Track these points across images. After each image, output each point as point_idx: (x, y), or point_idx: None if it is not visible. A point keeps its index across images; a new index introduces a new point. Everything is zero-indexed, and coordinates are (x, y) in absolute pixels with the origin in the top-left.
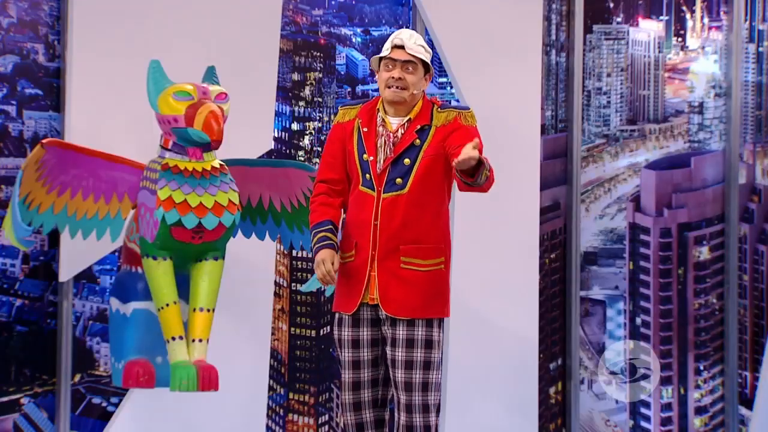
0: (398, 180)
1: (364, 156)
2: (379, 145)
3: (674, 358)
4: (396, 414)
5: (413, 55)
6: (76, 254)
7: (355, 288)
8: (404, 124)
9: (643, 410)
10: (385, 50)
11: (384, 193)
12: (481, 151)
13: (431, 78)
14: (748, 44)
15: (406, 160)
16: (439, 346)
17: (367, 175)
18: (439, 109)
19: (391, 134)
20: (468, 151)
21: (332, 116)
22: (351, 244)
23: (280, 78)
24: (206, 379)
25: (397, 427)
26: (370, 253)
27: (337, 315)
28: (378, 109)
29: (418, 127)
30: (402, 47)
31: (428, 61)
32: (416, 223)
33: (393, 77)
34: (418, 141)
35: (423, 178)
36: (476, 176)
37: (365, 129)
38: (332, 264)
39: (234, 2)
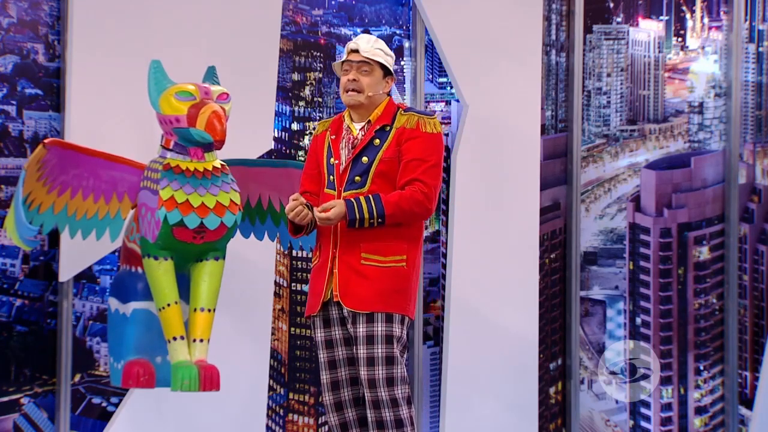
0: (357, 178)
1: (331, 160)
2: (341, 147)
3: (674, 358)
4: (367, 411)
5: (368, 58)
6: (76, 254)
7: (318, 287)
8: (364, 126)
9: (643, 410)
10: (344, 56)
11: (344, 191)
12: (393, 204)
13: (393, 81)
14: (748, 44)
15: (365, 159)
16: (400, 341)
17: (331, 177)
18: (402, 111)
19: (352, 137)
20: (318, 214)
21: (332, 116)
22: (318, 246)
23: (280, 78)
24: (208, 379)
25: (369, 425)
26: (331, 251)
27: (311, 317)
28: (344, 117)
29: (378, 127)
30: (357, 51)
31: (387, 63)
32: None
33: (348, 80)
34: (377, 141)
35: (381, 176)
36: (355, 226)
37: (333, 137)
38: (294, 200)
39: (234, 2)
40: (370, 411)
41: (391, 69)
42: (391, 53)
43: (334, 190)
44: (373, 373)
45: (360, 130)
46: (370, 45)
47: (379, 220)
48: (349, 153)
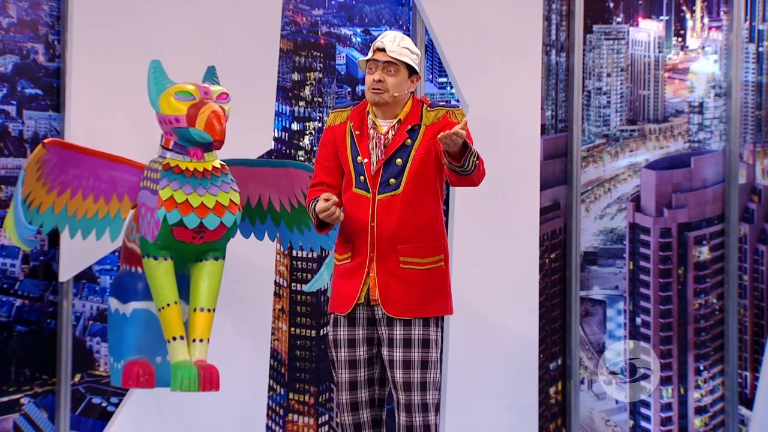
0: (392, 180)
1: (358, 158)
2: (371, 147)
3: (674, 358)
4: (396, 414)
5: (394, 58)
6: (76, 254)
7: (352, 289)
8: (394, 125)
9: (643, 410)
10: (369, 53)
11: (379, 194)
12: (469, 138)
13: (418, 80)
14: (748, 44)
15: (398, 161)
16: (436, 345)
17: (362, 177)
18: (428, 108)
19: (382, 136)
20: (455, 128)
21: (347, 107)
22: (347, 246)
23: (280, 78)
24: (207, 379)
25: (397, 427)
26: (368, 254)
27: (332, 315)
28: (368, 111)
29: (409, 127)
30: (383, 50)
31: (412, 63)
32: (412, 222)
33: (373, 79)
34: (408, 141)
35: (416, 177)
36: (463, 161)
37: (357, 132)
38: (326, 200)
39: (234, 2)
40: (401, 414)
41: (417, 67)
42: (417, 51)
43: (368, 191)
44: (409, 376)
45: (389, 128)
46: (396, 44)
47: (476, 161)
48: (381, 154)
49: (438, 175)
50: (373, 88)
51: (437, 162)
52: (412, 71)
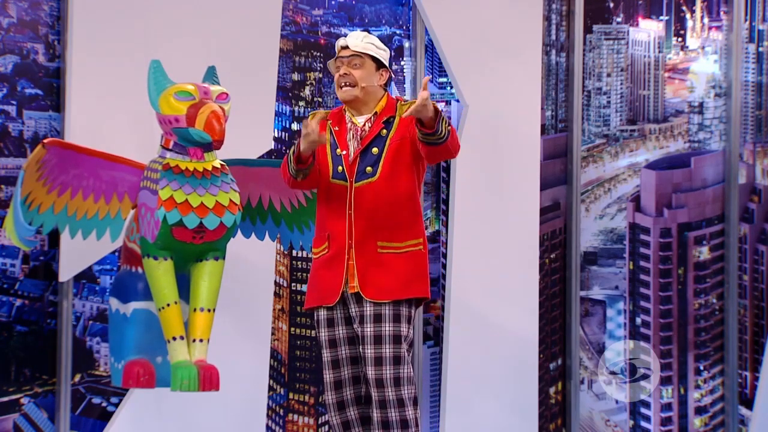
0: (368, 169)
1: (338, 151)
2: (348, 139)
3: (674, 358)
4: (371, 411)
5: (357, 51)
6: (76, 254)
7: (335, 279)
8: (371, 118)
9: (643, 410)
10: (336, 55)
11: (356, 182)
12: (437, 110)
13: (388, 74)
14: (748, 44)
15: (374, 149)
16: (408, 320)
17: (339, 168)
18: (402, 102)
19: (359, 128)
20: (420, 95)
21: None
22: (324, 237)
23: (280, 78)
24: (207, 379)
25: (373, 426)
26: (346, 242)
27: (315, 314)
28: (345, 110)
29: (384, 119)
30: (347, 47)
31: (378, 56)
32: (389, 207)
33: (340, 75)
34: (384, 131)
35: (392, 164)
36: (436, 125)
37: (336, 128)
38: (313, 115)
39: (234, 2)
40: (376, 410)
41: (384, 61)
42: (384, 47)
43: (345, 181)
44: (381, 372)
45: (366, 121)
46: (359, 40)
47: (448, 128)
48: (358, 144)
49: (414, 162)
50: (342, 84)
51: (413, 148)
52: (379, 65)
